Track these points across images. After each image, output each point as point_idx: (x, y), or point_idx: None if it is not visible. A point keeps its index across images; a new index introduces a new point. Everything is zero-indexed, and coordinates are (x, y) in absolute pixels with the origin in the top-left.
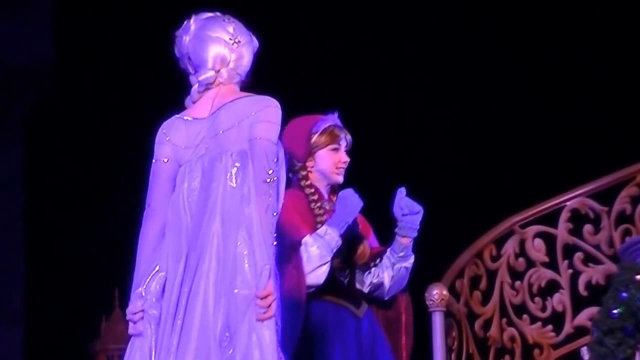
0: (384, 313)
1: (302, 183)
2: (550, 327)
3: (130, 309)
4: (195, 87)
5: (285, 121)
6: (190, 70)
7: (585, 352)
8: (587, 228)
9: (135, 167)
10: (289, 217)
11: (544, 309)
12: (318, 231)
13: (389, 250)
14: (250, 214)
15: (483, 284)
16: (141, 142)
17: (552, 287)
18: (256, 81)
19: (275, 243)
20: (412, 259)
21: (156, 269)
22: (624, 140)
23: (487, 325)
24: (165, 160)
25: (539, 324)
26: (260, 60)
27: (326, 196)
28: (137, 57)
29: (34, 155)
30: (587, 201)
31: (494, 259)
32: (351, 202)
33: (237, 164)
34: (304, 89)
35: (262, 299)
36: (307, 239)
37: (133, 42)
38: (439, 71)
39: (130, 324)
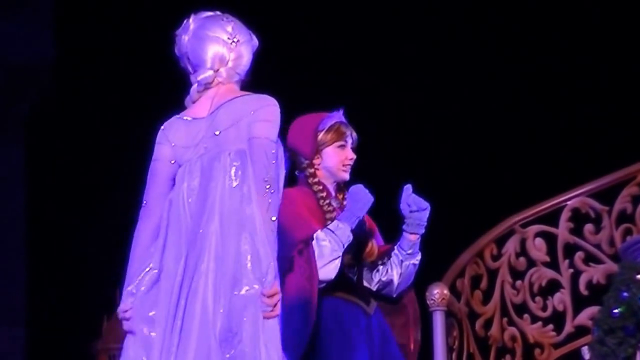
0: (391, 310)
1: (310, 180)
2: (551, 326)
3: (122, 307)
4: (194, 86)
5: (288, 120)
6: (190, 69)
7: (586, 352)
8: (588, 227)
9: (135, 166)
10: (300, 213)
11: (544, 309)
12: (329, 226)
13: (396, 247)
14: (252, 213)
15: (484, 284)
16: (141, 142)
17: (553, 287)
18: (257, 81)
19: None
20: (419, 256)
21: (148, 268)
22: (624, 139)
23: (488, 324)
24: (165, 160)
25: (540, 323)
26: (261, 59)
27: (333, 193)
28: (137, 57)
29: (34, 155)
30: (587, 200)
31: (495, 258)
32: (362, 197)
33: (236, 163)
34: (305, 88)
35: (269, 297)
36: (319, 233)
37: (133, 42)
38: (439, 71)
39: (124, 322)
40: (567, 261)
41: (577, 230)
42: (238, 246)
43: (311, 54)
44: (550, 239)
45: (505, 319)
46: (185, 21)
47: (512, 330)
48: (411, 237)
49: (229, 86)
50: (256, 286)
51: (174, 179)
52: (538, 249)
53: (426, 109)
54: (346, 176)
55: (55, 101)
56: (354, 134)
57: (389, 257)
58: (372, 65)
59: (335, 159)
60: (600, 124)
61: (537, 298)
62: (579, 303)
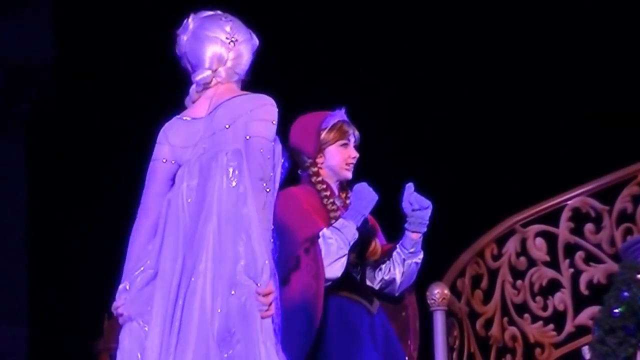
0: (391, 311)
1: (313, 179)
2: (551, 326)
3: (115, 303)
4: (193, 86)
5: (289, 119)
6: (190, 69)
7: (586, 351)
8: (589, 227)
9: (135, 166)
10: (305, 211)
11: (545, 308)
12: (335, 224)
13: (398, 246)
14: (247, 213)
15: (484, 283)
16: (141, 142)
17: (553, 286)
18: (257, 80)
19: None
20: (421, 255)
21: (144, 266)
22: (625, 139)
23: (488, 324)
24: (164, 160)
25: (540, 323)
26: (261, 59)
27: (336, 192)
28: (137, 57)
29: (34, 155)
30: (588, 200)
31: (495, 258)
32: (366, 195)
33: (233, 163)
34: (305, 88)
35: (263, 296)
36: (325, 231)
37: (133, 42)
38: (438, 71)
39: (118, 318)
40: (567, 261)
41: (577, 230)
42: (235, 246)
43: (311, 54)
44: (550, 239)
45: (505, 319)
46: (185, 21)
47: (513, 330)
48: (413, 236)
49: (228, 86)
50: (252, 285)
51: (172, 179)
52: (538, 248)
53: (427, 108)
54: (349, 175)
55: (55, 101)
56: (356, 132)
57: (392, 256)
58: (373, 65)
59: (339, 157)
60: (601, 123)
61: (538, 298)
62: (579, 303)
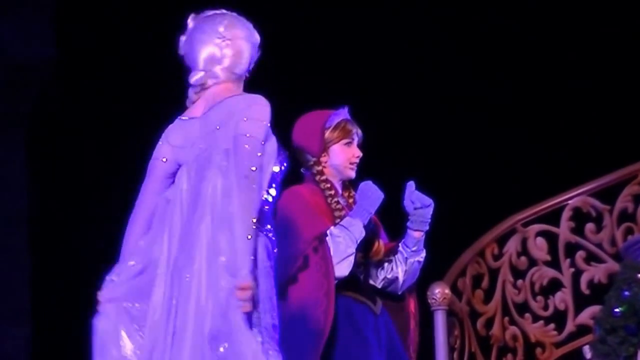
0: (392, 310)
1: (318, 178)
2: (552, 325)
3: (100, 293)
4: (190, 87)
5: (291, 119)
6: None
7: (587, 351)
8: (589, 226)
9: (136, 166)
10: (310, 209)
11: (546, 308)
12: (342, 222)
13: (401, 244)
14: (231, 209)
15: (485, 283)
16: (142, 142)
17: (554, 286)
18: (257, 80)
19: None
20: (424, 253)
21: (134, 262)
22: (625, 138)
23: (489, 323)
24: (164, 159)
25: (541, 322)
26: (261, 58)
27: (340, 191)
28: (138, 56)
29: (34, 155)
30: (589, 200)
31: (496, 257)
32: (372, 193)
33: (224, 163)
34: (306, 88)
35: (240, 290)
36: (333, 229)
37: (134, 41)
38: (438, 71)
39: (99, 305)
40: (568, 260)
41: (578, 230)
42: (224, 244)
43: (312, 54)
44: (551, 238)
45: (506, 318)
46: (187, 22)
47: (514, 329)
48: (415, 234)
49: (225, 85)
50: (231, 281)
51: (171, 178)
52: (539, 248)
53: (428, 108)
54: (352, 174)
55: (56, 100)
56: (359, 131)
57: (394, 254)
58: (373, 65)
59: (343, 156)
60: (601, 123)
61: (539, 297)
62: (580, 302)
